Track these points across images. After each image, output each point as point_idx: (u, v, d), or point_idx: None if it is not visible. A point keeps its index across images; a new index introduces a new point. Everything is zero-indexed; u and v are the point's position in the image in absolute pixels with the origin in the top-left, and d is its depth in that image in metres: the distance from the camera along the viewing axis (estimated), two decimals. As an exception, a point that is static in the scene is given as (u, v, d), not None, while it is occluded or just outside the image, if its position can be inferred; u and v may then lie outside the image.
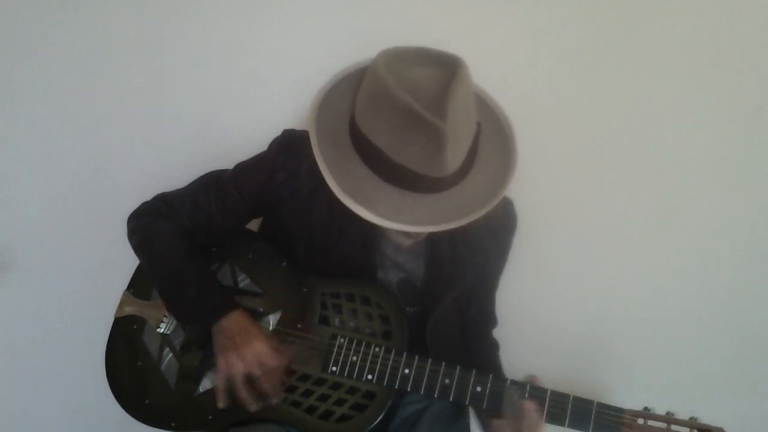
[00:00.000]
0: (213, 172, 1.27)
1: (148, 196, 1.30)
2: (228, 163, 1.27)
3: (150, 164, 1.56)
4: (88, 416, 1.61)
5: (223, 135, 1.53)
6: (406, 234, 1.11)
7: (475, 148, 1.05)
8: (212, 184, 1.24)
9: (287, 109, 1.44)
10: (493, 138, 1.10)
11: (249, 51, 1.50)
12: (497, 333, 1.36)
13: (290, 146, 1.20)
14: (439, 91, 0.97)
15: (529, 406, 1.06)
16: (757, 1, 1.36)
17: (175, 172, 1.35)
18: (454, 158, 0.99)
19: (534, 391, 1.09)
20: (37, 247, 1.60)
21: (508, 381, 1.10)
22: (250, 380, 1.11)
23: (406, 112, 0.95)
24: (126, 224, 1.27)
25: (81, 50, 1.52)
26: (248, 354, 1.10)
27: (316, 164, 1.04)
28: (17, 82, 1.55)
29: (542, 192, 1.44)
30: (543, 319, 1.49)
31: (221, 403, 1.12)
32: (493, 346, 1.34)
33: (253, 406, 1.11)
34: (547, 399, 1.07)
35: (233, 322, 1.14)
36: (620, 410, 1.05)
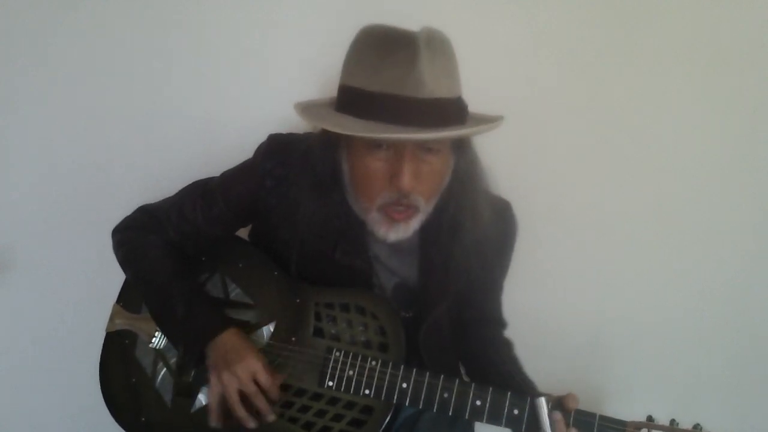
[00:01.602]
0: (198, 181, 1.25)
1: (148, 196, 1.29)
2: (228, 163, 1.27)
3: (150, 164, 1.55)
4: (88, 417, 1.60)
5: (223, 135, 1.53)
6: (390, 221, 1.08)
7: (460, 113, 1.04)
8: (197, 193, 1.22)
9: (287, 110, 1.44)
10: (481, 122, 1.08)
11: (249, 51, 1.49)
12: (497, 335, 1.36)
13: (277, 152, 1.18)
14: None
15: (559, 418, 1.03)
16: (757, 1, 1.36)
17: (176, 172, 1.35)
18: (431, 79, 0.97)
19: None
20: (37, 248, 1.60)
21: (528, 399, 1.06)
22: (245, 398, 1.09)
23: (381, 35, 1.00)
24: (111, 238, 1.25)
25: (81, 51, 1.52)
26: (241, 371, 1.08)
27: (305, 170, 1.05)
28: (17, 81, 1.54)
29: (542, 192, 1.44)
30: (543, 321, 1.49)
31: (214, 422, 1.10)
32: (506, 346, 1.32)
33: (250, 424, 1.09)
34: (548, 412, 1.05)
35: (226, 340, 1.12)
36: (623, 423, 1.03)
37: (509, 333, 1.34)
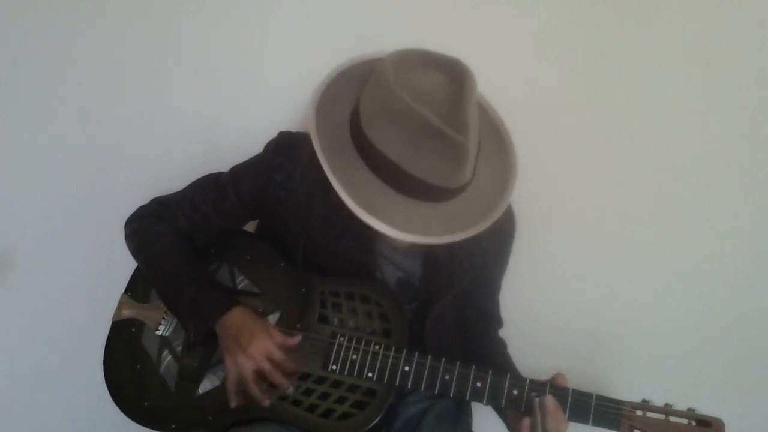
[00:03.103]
0: (210, 174, 1.27)
1: (148, 196, 1.30)
2: (228, 162, 1.28)
3: (150, 164, 1.56)
4: (88, 416, 1.61)
5: (223, 135, 1.54)
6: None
7: (478, 151, 1.06)
8: (209, 186, 1.25)
9: (287, 110, 1.44)
10: (489, 136, 1.11)
11: (249, 51, 1.50)
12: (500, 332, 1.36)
13: (287, 147, 1.19)
14: (453, 100, 0.98)
15: (550, 402, 1.04)
16: (757, 1, 1.36)
17: (176, 172, 1.35)
18: (470, 168, 1.01)
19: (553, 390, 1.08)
20: (37, 248, 1.60)
21: (528, 381, 1.09)
22: (262, 375, 1.11)
23: (426, 126, 0.95)
24: (123, 228, 1.27)
25: (81, 51, 1.52)
26: (254, 351, 1.09)
27: (313, 166, 1.03)
28: (18, 82, 1.55)
29: (542, 192, 1.44)
30: (543, 320, 1.49)
31: (233, 403, 1.12)
32: (500, 345, 1.34)
33: (266, 401, 1.10)
34: (546, 393, 1.07)
35: (234, 319, 1.13)
36: (620, 402, 1.06)
37: (510, 332, 1.35)
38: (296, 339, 1.14)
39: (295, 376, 1.13)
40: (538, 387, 1.08)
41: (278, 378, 1.10)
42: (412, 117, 0.95)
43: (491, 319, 1.34)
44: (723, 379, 1.46)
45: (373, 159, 1.02)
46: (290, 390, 1.11)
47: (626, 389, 1.38)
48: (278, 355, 1.11)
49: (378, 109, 1.01)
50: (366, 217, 0.99)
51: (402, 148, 0.99)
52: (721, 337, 1.45)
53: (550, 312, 1.49)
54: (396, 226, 0.99)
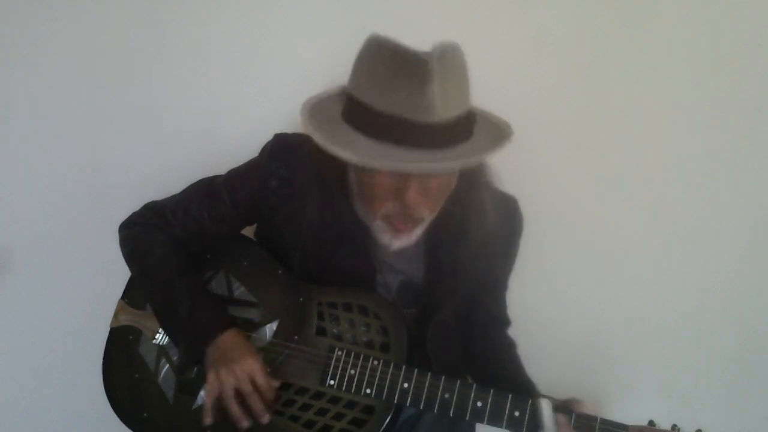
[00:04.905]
0: (204, 179, 1.25)
1: (148, 197, 1.29)
2: (228, 162, 1.26)
3: (150, 164, 1.55)
4: (88, 416, 1.60)
5: (222, 135, 1.53)
6: (394, 230, 1.08)
7: (468, 127, 1.02)
8: (204, 192, 1.22)
9: (286, 110, 1.44)
10: (487, 126, 1.07)
11: (248, 52, 1.49)
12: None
13: (282, 152, 1.17)
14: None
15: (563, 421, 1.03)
16: (757, 1, 1.36)
17: (175, 173, 1.35)
18: (441, 104, 0.95)
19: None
20: (36, 248, 1.60)
21: (530, 401, 1.06)
22: (241, 397, 1.09)
23: (393, 54, 0.94)
24: (117, 233, 1.25)
25: (81, 50, 1.52)
26: (239, 370, 1.08)
27: (309, 172, 1.02)
28: (17, 82, 1.54)
29: (543, 193, 1.44)
30: (544, 323, 1.49)
31: (208, 420, 1.10)
32: (509, 345, 1.31)
33: (245, 423, 1.09)
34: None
35: (226, 339, 1.12)
36: (624, 427, 1.03)
37: (513, 335, 1.34)
38: (278, 382, 1.11)
39: (271, 408, 1.10)
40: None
41: (256, 403, 1.08)
42: (382, 49, 0.96)
43: (499, 319, 1.32)
44: (723, 381, 1.46)
45: (353, 115, 1.00)
46: (265, 420, 1.09)
47: (627, 390, 1.38)
48: (262, 380, 1.09)
49: (357, 63, 1.01)
50: (334, 148, 0.95)
51: (374, 87, 0.97)
52: (722, 338, 1.46)
53: (550, 313, 1.50)
54: (365, 155, 0.95)
